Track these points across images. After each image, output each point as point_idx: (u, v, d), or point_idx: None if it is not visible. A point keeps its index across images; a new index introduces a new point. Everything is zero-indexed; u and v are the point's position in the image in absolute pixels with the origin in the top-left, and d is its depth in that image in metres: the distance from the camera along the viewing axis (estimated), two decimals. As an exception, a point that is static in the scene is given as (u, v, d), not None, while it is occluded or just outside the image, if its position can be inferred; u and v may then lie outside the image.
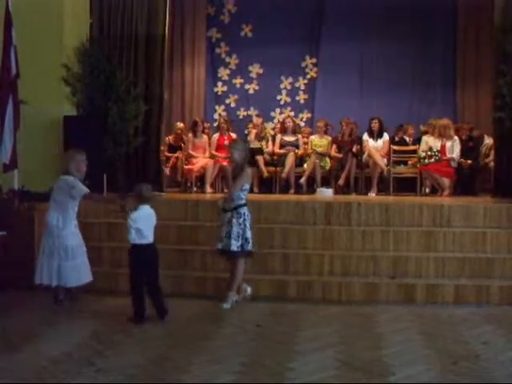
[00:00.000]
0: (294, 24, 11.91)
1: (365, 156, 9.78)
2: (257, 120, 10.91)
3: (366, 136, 9.93)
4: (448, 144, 9.44)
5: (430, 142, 9.54)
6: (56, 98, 8.19)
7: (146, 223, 5.33)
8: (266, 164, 9.97)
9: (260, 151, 9.95)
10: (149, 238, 5.35)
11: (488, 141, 9.98)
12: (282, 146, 10.13)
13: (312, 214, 7.26)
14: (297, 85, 12.32)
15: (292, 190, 9.72)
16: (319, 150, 9.99)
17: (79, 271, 5.85)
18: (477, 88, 11.58)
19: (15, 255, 6.33)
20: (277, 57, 11.96)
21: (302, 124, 12.06)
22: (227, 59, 12.44)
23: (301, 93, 12.33)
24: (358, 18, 11.58)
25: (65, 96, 8.35)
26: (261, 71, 12.32)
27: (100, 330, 5.13)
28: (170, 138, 10.61)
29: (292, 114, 12.03)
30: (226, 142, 9.42)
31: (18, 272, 6.27)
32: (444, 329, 5.23)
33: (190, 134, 10.07)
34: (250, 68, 12.34)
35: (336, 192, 9.54)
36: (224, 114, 12.06)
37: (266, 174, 9.83)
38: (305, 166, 9.86)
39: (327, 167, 9.93)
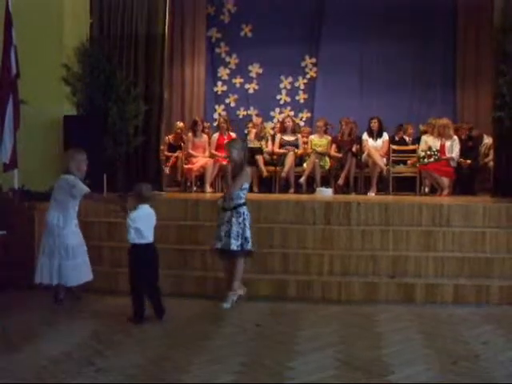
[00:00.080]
0: (294, 24, 11.91)
1: (364, 156, 9.78)
2: (256, 120, 10.92)
3: (365, 136, 9.93)
4: (447, 143, 9.45)
5: (430, 141, 9.54)
6: (56, 98, 8.19)
7: (145, 223, 5.33)
8: (266, 163, 9.98)
9: (260, 151, 9.96)
10: (148, 237, 5.35)
11: (487, 140, 9.99)
12: (281, 146, 10.14)
13: (311, 214, 7.26)
14: (296, 84, 12.32)
15: (292, 190, 9.72)
16: (319, 149, 9.99)
17: (79, 270, 5.86)
18: (477, 88, 11.58)
19: (15, 255, 6.34)
20: (276, 56, 11.96)
21: (302, 124, 12.06)
22: (227, 59, 12.44)
23: (300, 92, 12.33)
24: (358, 17, 11.58)
25: (65, 96, 8.36)
26: (261, 71, 12.33)
27: (100, 329, 5.14)
28: (169, 138, 10.62)
29: (292, 113, 12.04)
30: (226, 142, 9.41)
31: (17, 272, 6.28)
32: (443, 328, 5.24)
33: (190, 134, 10.08)
34: (250, 68, 12.34)
35: (335, 192, 9.55)
36: (224, 113, 12.06)
37: (265, 174, 9.84)
38: (304, 165, 9.87)
39: (327, 167, 9.94)
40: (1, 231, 6.09)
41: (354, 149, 9.88)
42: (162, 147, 9.61)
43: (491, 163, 9.28)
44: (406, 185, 9.94)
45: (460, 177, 9.58)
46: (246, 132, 11.14)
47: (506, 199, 7.85)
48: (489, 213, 7.12)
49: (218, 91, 12.48)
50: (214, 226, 6.09)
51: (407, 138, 10.40)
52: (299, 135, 10.40)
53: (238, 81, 12.41)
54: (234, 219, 5.79)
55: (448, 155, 9.40)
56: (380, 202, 7.58)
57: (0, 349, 4.52)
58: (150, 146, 9.09)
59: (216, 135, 10.10)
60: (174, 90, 12.11)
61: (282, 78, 12.29)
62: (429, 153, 9.36)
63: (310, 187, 9.74)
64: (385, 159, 9.75)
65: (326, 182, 9.84)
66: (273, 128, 11.67)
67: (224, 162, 9.06)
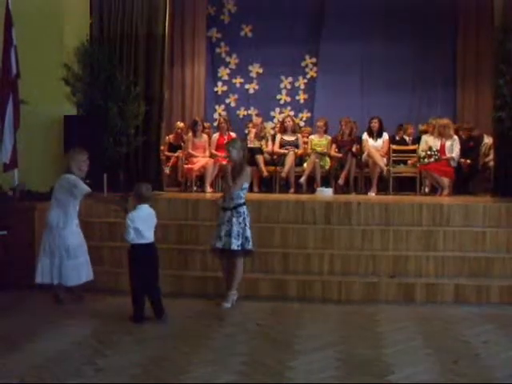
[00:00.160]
0: (294, 24, 11.90)
1: (364, 156, 9.78)
2: (256, 119, 10.91)
3: (365, 136, 9.93)
4: (447, 143, 9.44)
5: (430, 141, 9.54)
6: (56, 98, 8.18)
7: (144, 223, 5.32)
8: (266, 163, 9.97)
9: (260, 151, 9.96)
10: (148, 237, 5.35)
11: (487, 140, 9.99)
12: (281, 146, 10.13)
13: (312, 214, 7.27)
14: (297, 84, 12.31)
15: (292, 190, 9.72)
16: (319, 149, 9.99)
17: (80, 270, 5.86)
18: (477, 88, 11.57)
19: (15, 255, 6.34)
20: (277, 56, 11.96)
21: (302, 124, 12.06)
22: (227, 59, 12.43)
23: (301, 92, 12.32)
24: (358, 17, 11.56)
25: (65, 96, 8.35)
26: (261, 71, 12.32)
27: (100, 329, 5.14)
28: (170, 138, 10.62)
29: (292, 113, 12.03)
30: (226, 142, 9.42)
31: (18, 271, 6.28)
32: (444, 328, 5.24)
33: (190, 134, 10.08)
34: (250, 68, 12.33)
35: (336, 191, 9.54)
36: (224, 113, 12.06)
37: (265, 174, 9.83)
38: (304, 165, 9.86)
39: (327, 167, 9.93)
40: (1, 231, 6.09)
41: (354, 149, 9.88)
42: (162, 147, 9.60)
43: (491, 163, 9.29)
44: (406, 185, 9.94)
45: (460, 177, 9.57)
46: (246, 132, 11.14)
47: (506, 199, 7.85)
48: (489, 212, 7.12)
49: (218, 91, 12.47)
50: (214, 225, 6.10)
51: (407, 138, 10.40)
52: (299, 135, 10.39)
53: (238, 81, 12.40)
54: (234, 219, 5.80)
55: (448, 155, 9.39)
56: (380, 201, 7.58)
57: (0, 348, 4.51)
58: (150, 146, 9.08)
59: (216, 135, 10.10)
60: (174, 90, 12.10)
61: (282, 77, 12.27)
62: (429, 153, 9.36)
63: (310, 187, 9.74)
64: (385, 159, 9.74)
65: (326, 182, 9.83)
66: (273, 128, 11.66)
67: (224, 162, 9.07)
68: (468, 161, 9.76)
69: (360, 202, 7.36)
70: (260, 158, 9.85)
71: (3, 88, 7.01)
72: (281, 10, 11.80)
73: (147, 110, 8.90)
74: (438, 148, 9.40)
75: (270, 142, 10.34)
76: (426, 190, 9.72)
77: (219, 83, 12.45)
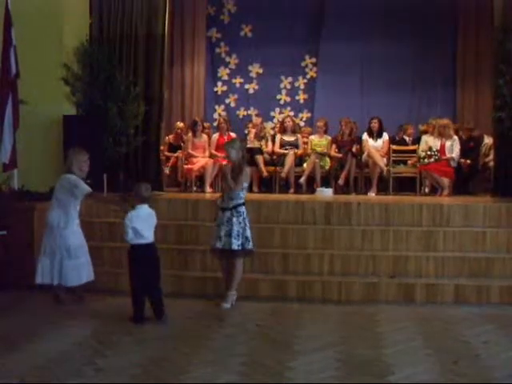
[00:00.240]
0: (294, 24, 11.90)
1: (364, 156, 9.77)
2: (256, 120, 10.91)
3: (365, 136, 9.93)
4: (447, 144, 9.44)
5: (430, 141, 9.54)
6: (56, 98, 8.18)
7: (144, 223, 5.32)
8: (266, 164, 9.97)
9: (260, 151, 9.95)
10: (148, 237, 5.34)
11: (488, 140, 9.99)
12: (281, 146, 10.13)
13: (312, 214, 7.26)
14: (296, 84, 12.31)
15: (292, 190, 9.71)
16: (319, 149, 9.99)
17: (80, 270, 5.86)
18: (477, 88, 11.56)
19: (15, 255, 6.34)
20: (277, 56, 11.96)
21: (302, 124, 12.06)
22: (227, 59, 12.43)
23: (300, 92, 12.31)
24: (358, 17, 11.55)
25: (65, 96, 8.35)
26: (260, 71, 12.31)
27: (100, 329, 5.14)
28: (169, 138, 10.62)
29: (292, 113, 12.02)
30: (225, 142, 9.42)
31: (17, 271, 6.28)
32: (444, 328, 5.24)
33: (190, 134, 10.07)
34: (250, 68, 12.32)
35: (336, 192, 9.54)
36: (224, 113, 12.06)
37: (265, 174, 9.83)
38: (304, 165, 9.86)
39: (327, 167, 9.93)
40: (1, 231, 6.08)
41: (354, 149, 9.87)
42: (162, 147, 9.60)
43: (491, 163, 9.28)
44: (406, 185, 9.94)
45: (460, 177, 9.57)
46: (245, 132, 11.13)
47: (505, 199, 7.85)
48: (489, 213, 7.12)
49: (218, 91, 12.46)
50: (214, 226, 6.09)
51: (407, 138, 10.39)
52: (299, 135, 10.39)
53: (237, 81, 12.40)
54: (234, 219, 5.79)
55: (448, 155, 9.39)
56: (380, 202, 7.58)
57: (0, 349, 4.51)
58: (149, 146, 9.08)
59: (216, 135, 10.10)
60: (173, 90, 12.09)
61: (282, 78, 12.27)
62: (429, 153, 9.35)
63: (310, 187, 9.74)
64: (385, 159, 9.74)
65: (326, 183, 9.83)
66: (273, 128, 11.66)
67: (224, 163, 9.07)
68: (468, 161, 9.75)
69: (360, 203, 7.36)
70: (260, 159, 9.85)
71: (3, 88, 7.01)
72: (281, 10, 11.79)
73: (147, 110, 8.90)
74: (438, 148, 9.40)
75: (269, 143, 10.34)
76: (426, 190, 9.72)
77: (219, 83, 12.44)
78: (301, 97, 12.32)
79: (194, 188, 9.75)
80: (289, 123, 10.32)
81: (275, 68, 12.09)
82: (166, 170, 9.96)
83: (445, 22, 11.77)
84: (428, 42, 11.66)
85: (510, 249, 6.73)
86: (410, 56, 11.71)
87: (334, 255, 6.65)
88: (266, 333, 5.05)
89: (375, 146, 9.80)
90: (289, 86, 12.31)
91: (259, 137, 10.36)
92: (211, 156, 9.81)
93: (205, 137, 10.09)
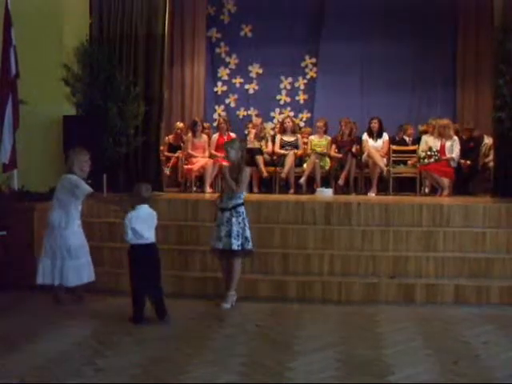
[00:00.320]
0: (294, 24, 11.90)
1: (364, 156, 9.78)
2: (256, 120, 10.91)
3: (365, 136, 9.93)
4: (447, 144, 9.44)
5: (430, 141, 9.54)
6: (56, 98, 8.18)
7: (144, 223, 5.31)
8: (266, 164, 9.96)
9: (259, 151, 9.95)
10: (148, 238, 5.34)
11: (487, 140, 9.98)
12: (281, 146, 10.13)
13: (312, 214, 7.26)
14: (296, 85, 12.31)
15: (292, 190, 9.71)
16: (319, 149, 9.99)
17: (81, 271, 5.85)
18: (477, 88, 11.57)
19: (15, 255, 6.34)
20: (277, 57, 11.97)
21: (302, 124, 12.06)
22: (227, 59, 12.43)
23: (300, 93, 12.31)
24: (358, 17, 11.56)
25: (64, 96, 8.35)
26: (260, 71, 12.31)
27: (100, 329, 5.14)
28: (169, 138, 10.62)
29: (292, 114, 12.03)
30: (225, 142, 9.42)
31: (17, 272, 6.28)
32: (444, 328, 5.24)
33: (190, 134, 10.07)
34: (250, 68, 12.33)
35: (336, 192, 9.54)
36: (224, 113, 12.06)
37: (265, 174, 9.83)
38: (304, 165, 9.86)
39: (327, 167, 9.93)
40: (1, 231, 6.08)
41: (354, 149, 9.87)
42: (161, 147, 9.60)
43: (491, 163, 9.28)
44: (406, 185, 9.94)
45: (460, 177, 9.57)
46: (245, 132, 11.13)
47: (505, 199, 7.84)
48: (489, 213, 7.12)
49: (217, 91, 12.47)
50: (213, 226, 6.09)
51: (407, 139, 10.40)
52: (299, 136, 10.39)
53: (237, 81, 12.40)
54: (234, 219, 5.79)
55: (448, 155, 9.39)
56: (380, 202, 7.58)
57: (0, 349, 4.51)
58: (149, 147, 9.08)
59: (216, 135, 10.10)
60: (173, 90, 12.10)
61: (282, 78, 12.27)
62: (429, 153, 9.36)
63: (310, 188, 9.74)
64: (385, 159, 9.75)
65: (326, 183, 9.83)
66: (273, 128, 11.66)
67: (224, 163, 9.07)
68: (468, 161, 9.76)
69: (360, 203, 7.36)
70: (260, 159, 9.85)
71: (2, 88, 7.02)
72: (281, 10, 11.80)
73: (147, 110, 8.90)
74: (438, 148, 9.40)
75: (269, 143, 10.34)
76: (426, 190, 9.72)
77: (219, 83, 12.45)
78: (301, 97, 12.32)
79: (194, 188, 9.75)
80: (289, 123, 10.32)
81: (275, 68, 12.10)
82: (167, 171, 9.95)
83: (445, 21, 11.78)
84: (428, 42, 11.67)
85: (509, 249, 6.73)
86: (410, 56, 11.72)
87: (333, 255, 6.65)
88: (265, 333, 5.05)
89: (375, 146, 9.80)
90: (289, 87, 12.32)
91: (259, 137, 10.36)
92: (211, 156, 9.81)
93: (205, 137, 10.09)
